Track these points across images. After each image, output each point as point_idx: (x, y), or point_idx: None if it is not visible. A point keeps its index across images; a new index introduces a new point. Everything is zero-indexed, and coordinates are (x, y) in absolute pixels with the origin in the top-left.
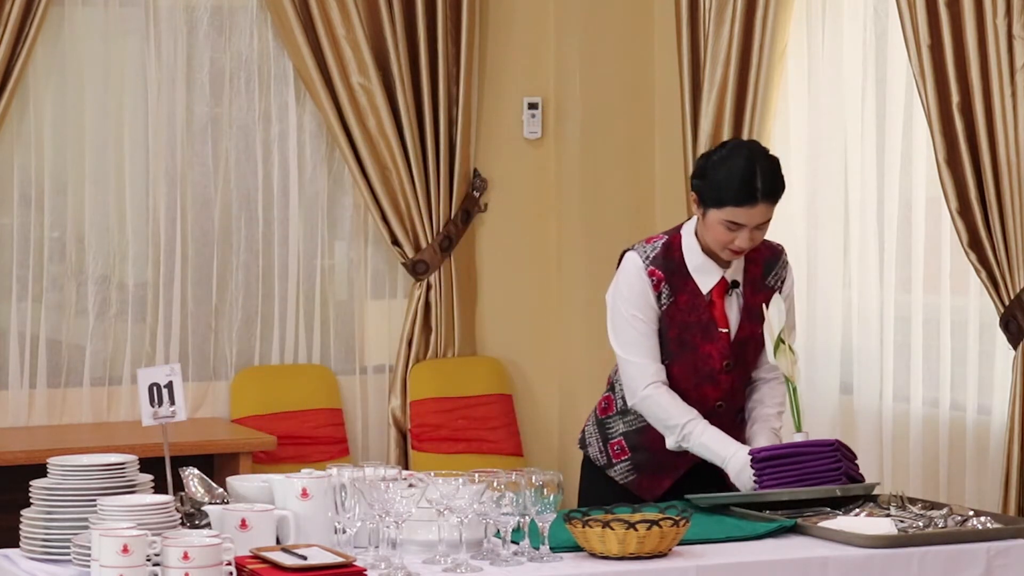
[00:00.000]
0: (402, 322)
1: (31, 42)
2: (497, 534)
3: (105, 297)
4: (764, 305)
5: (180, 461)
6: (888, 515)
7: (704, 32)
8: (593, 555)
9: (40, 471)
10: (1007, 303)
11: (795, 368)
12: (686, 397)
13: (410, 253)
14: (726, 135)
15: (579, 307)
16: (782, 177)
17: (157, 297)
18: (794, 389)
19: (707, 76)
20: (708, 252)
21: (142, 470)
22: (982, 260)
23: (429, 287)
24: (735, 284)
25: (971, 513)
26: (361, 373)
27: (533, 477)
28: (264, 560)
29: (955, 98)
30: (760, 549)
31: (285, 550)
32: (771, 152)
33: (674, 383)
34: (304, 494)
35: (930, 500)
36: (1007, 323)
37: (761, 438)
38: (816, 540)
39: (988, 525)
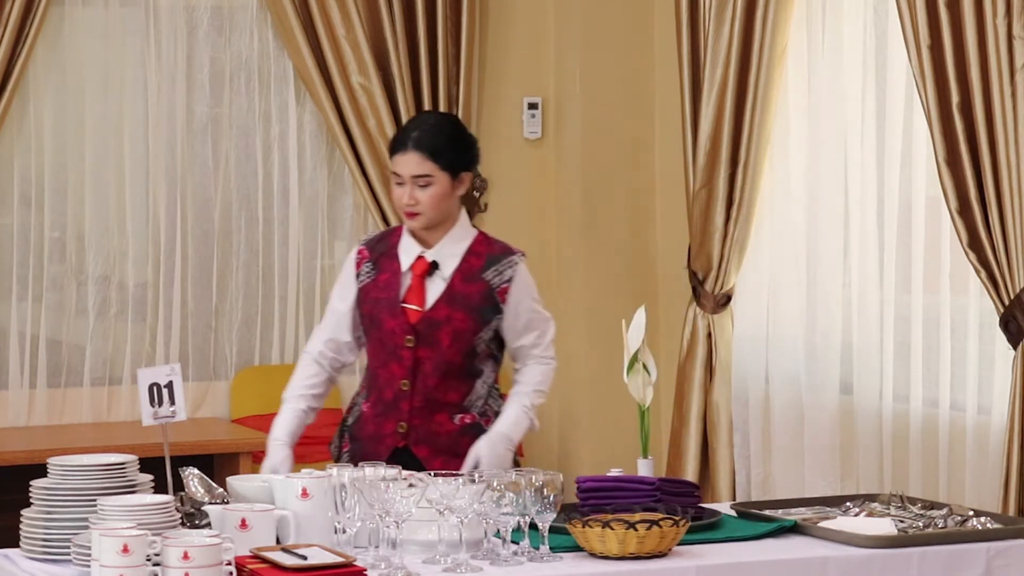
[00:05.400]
0: None
1: (31, 42)
2: (497, 534)
3: (105, 297)
4: (494, 299)
5: (180, 461)
6: (888, 515)
7: (704, 32)
8: (593, 555)
9: (40, 471)
10: (1007, 303)
11: (647, 390)
12: (377, 377)
13: None
14: (726, 135)
15: (579, 307)
16: (451, 139)
17: (157, 297)
18: (643, 413)
19: (707, 76)
20: (414, 232)
21: (142, 470)
22: (982, 260)
23: None
24: (435, 265)
25: (971, 513)
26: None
27: (533, 477)
28: (264, 560)
29: (955, 98)
30: (760, 549)
31: (285, 550)
32: (468, 129)
33: (370, 362)
34: (304, 494)
35: (930, 500)
36: (1007, 323)
37: (507, 412)
38: (816, 540)
39: (988, 525)
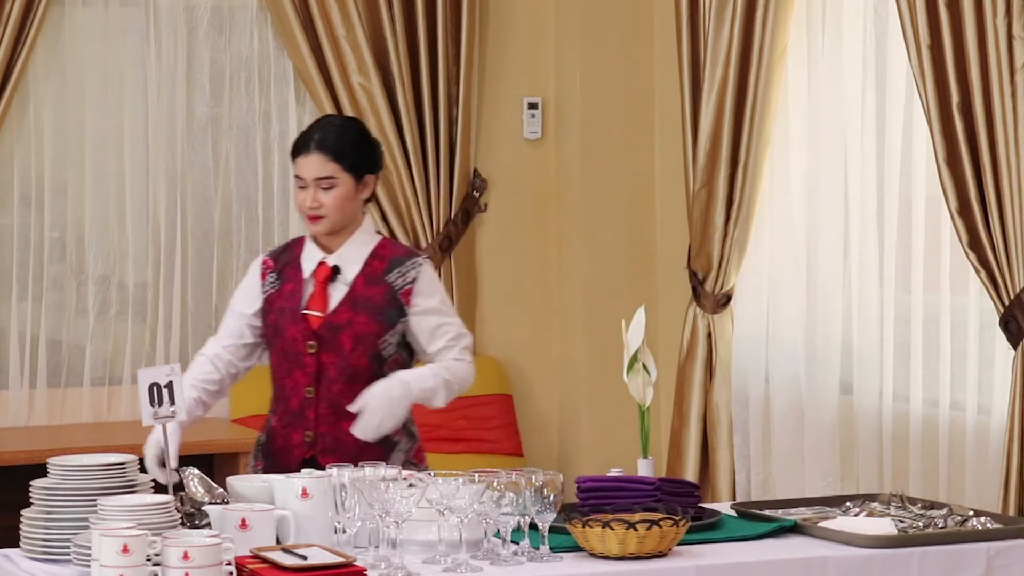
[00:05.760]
0: None
1: (31, 42)
2: (497, 534)
3: (105, 297)
4: (402, 302)
5: (180, 461)
6: (888, 515)
7: (704, 32)
8: (593, 555)
9: (40, 471)
10: (1007, 303)
11: (647, 390)
12: (283, 387)
13: None
14: (726, 135)
15: (579, 307)
16: (355, 142)
17: (157, 297)
18: (643, 413)
19: (707, 76)
20: (316, 239)
21: (142, 470)
22: (982, 260)
23: None
24: (337, 270)
25: (971, 513)
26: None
27: (533, 477)
28: (264, 560)
29: (955, 98)
30: (760, 549)
31: (285, 550)
32: (370, 133)
33: (275, 375)
34: (304, 494)
35: (930, 500)
36: (1007, 323)
37: (416, 368)
38: (816, 540)
39: (988, 525)
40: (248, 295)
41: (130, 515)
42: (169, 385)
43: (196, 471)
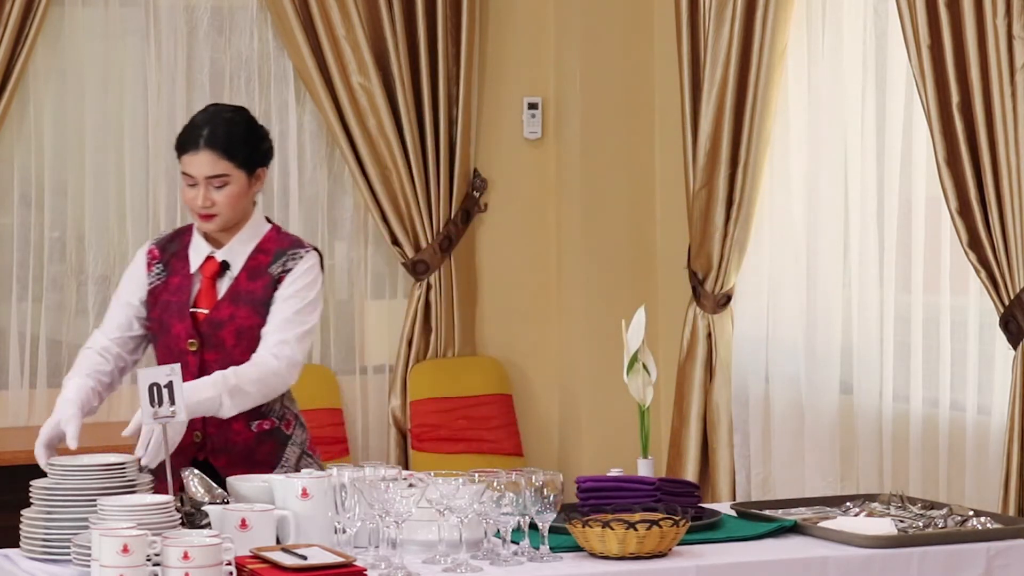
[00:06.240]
0: (402, 322)
1: (31, 42)
2: (497, 534)
3: (105, 297)
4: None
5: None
6: (888, 515)
7: (704, 32)
8: (593, 555)
9: (40, 471)
10: (1007, 303)
11: (647, 390)
12: None
13: (410, 253)
14: (726, 135)
15: (579, 307)
16: (245, 136)
17: None
18: (643, 413)
19: (707, 76)
20: (204, 232)
21: (142, 470)
22: (982, 260)
23: (429, 287)
24: (226, 265)
25: (971, 513)
26: (361, 373)
27: (533, 477)
28: (264, 560)
29: (955, 98)
30: (760, 549)
31: (285, 550)
32: (257, 121)
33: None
34: (304, 494)
35: (930, 500)
36: (1007, 323)
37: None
38: (816, 540)
39: (988, 525)
40: (137, 283)
41: (130, 515)
42: (169, 385)
43: (196, 471)
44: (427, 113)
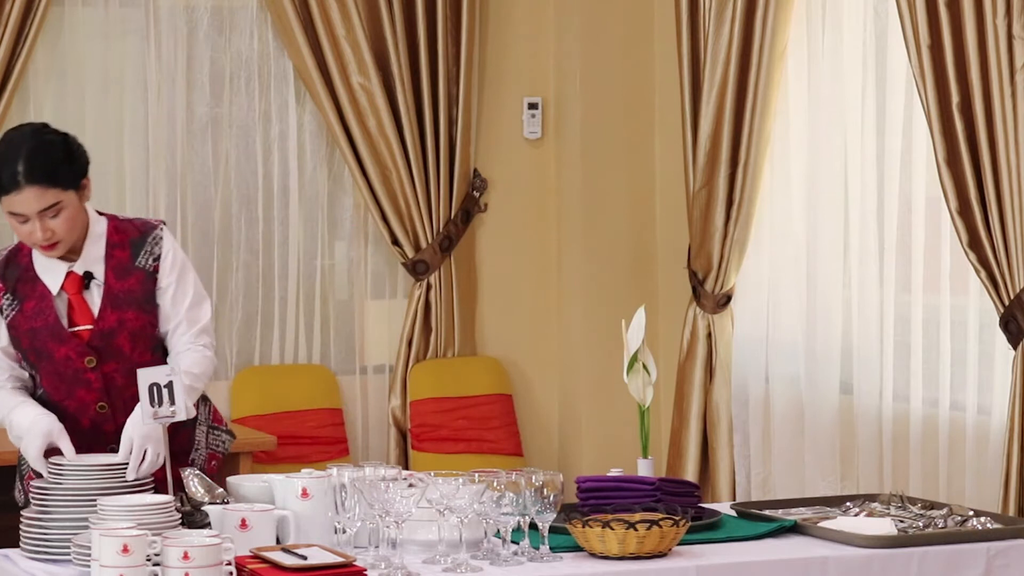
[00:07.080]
0: (402, 322)
1: (31, 42)
2: (497, 534)
3: None
4: (157, 290)
5: None
6: (888, 515)
7: (704, 32)
8: (593, 555)
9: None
10: (1007, 303)
11: (647, 390)
12: (65, 409)
13: (410, 253)
14: (726, 135)
15: (579, 307)
16: (61, 157)
17: None
18: (643, 413)
19: (707, 76)
20: None
21: None
22: (982, 260)
23: (429, 287)
24: (89, 276)
25: (971, 513)
26: (361, 373)
27: (533, 477)
28: (264, 560)
29: (955, 98)
30: (760, 549)
31: (285, 550)
32: (60, 132)
33: (50, 396)
34: (304, 494)
35: (930, 500)
36: (1007, 323)
37: None
38: (816, 540)
39: (988, 525)
40: None
41: (130, 515)
42: (169, 385)
43: (196, 471)
44: (427, 113)
